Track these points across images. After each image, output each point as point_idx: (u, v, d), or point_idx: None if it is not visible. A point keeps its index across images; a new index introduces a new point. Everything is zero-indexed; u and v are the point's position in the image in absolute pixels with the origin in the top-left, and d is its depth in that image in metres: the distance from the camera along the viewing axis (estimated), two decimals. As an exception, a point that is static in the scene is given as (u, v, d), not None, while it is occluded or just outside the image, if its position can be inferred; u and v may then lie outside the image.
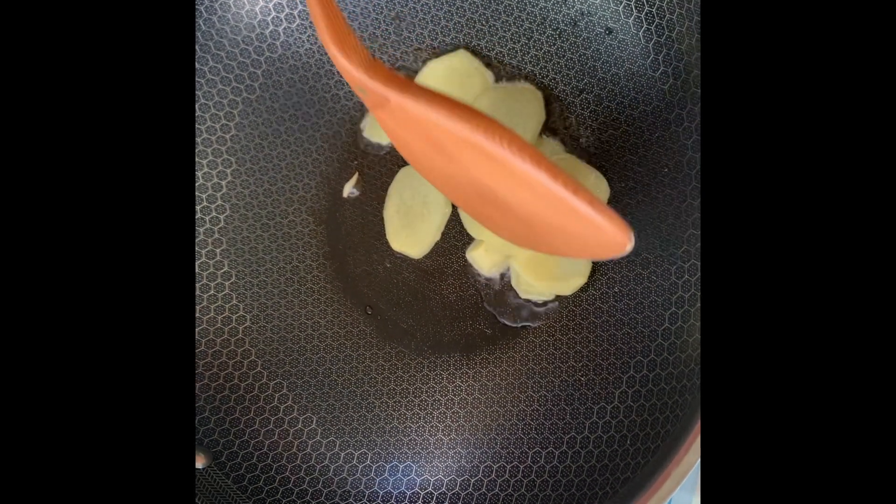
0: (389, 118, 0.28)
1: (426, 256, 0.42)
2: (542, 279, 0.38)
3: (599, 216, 0.25)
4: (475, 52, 0.41)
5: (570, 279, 0.38)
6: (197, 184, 0.43)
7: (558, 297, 0.39)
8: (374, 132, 0.43)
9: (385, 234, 0.42)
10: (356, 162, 0.43)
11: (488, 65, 0.41)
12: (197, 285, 0.42)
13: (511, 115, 0.39)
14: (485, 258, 0.40)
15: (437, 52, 0.42)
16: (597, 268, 0.39)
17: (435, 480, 0.39)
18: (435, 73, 0.41)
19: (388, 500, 0.39)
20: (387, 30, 0.42)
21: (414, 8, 0.42)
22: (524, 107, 0.40)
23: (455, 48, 0.42)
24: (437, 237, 0.42)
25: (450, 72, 0.41)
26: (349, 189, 0.43)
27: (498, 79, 0.41)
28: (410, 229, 0.41)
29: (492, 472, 0.38)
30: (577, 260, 0.38)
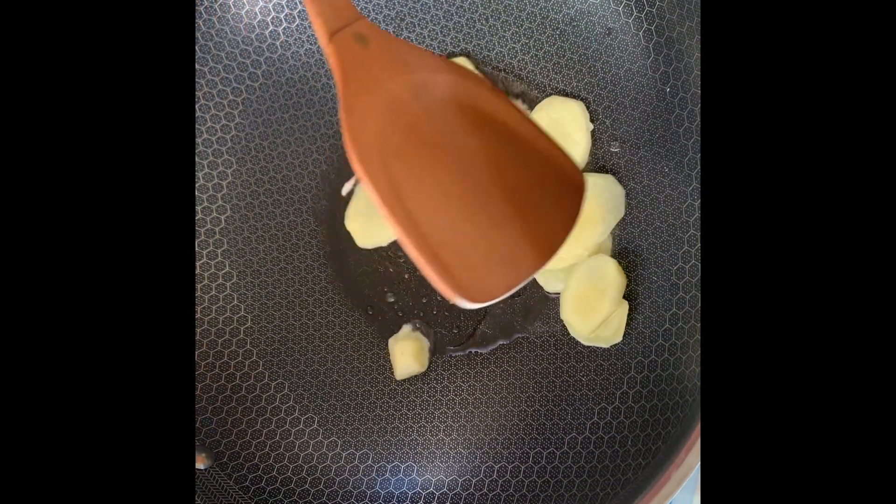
0: (383, 105, 0.28)
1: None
2: (588, 315, 0.37)
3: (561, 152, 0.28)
4: (474, 55, 0.41)
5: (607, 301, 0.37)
6: (197, 184, 0.43)
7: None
8: None
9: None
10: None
11: (486, 73, 0.41)
12: (198, 286, 0.42)
13: None
14: (400, 358, 0.41)
15: (437, 54, 0.42)
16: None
17: (436, 481, 0.39)
18: None
19: (389, 501, 0.39)
20: (386, 29, 0.42)
21: (414, 7, 0.41)
22: None
23: (455, 48, 0.42)
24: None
25: None
26: (348, 188, 0.43)
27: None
28: (368, 217, 0.42)
29: (492, 472, 0.38)
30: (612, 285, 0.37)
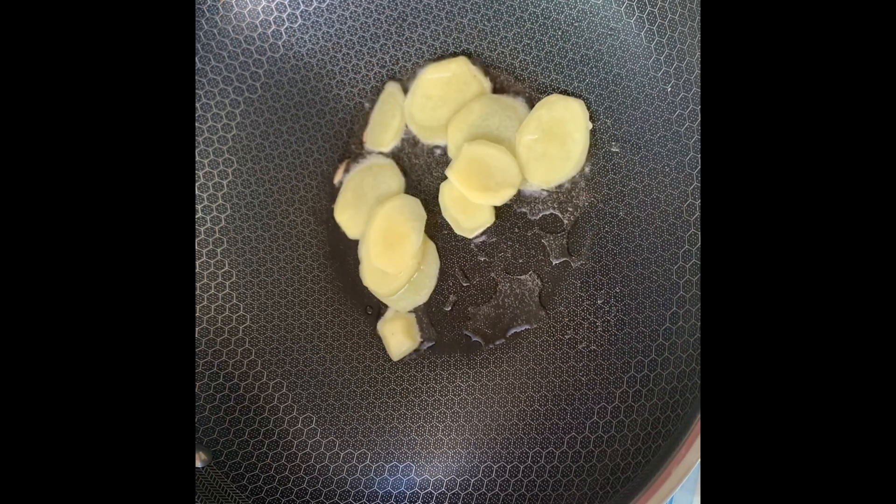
0: None
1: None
2: (475, 189, 0.39)
3: None
4: (476, 55, 0.42)
5: (501, 190, 0.39)
6: (198, 183, 0.43)
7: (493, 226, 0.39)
8: (376, 141, 0.43)
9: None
10: (347, 155, 0.43)
11: (487, 74, 0.41)
12: (197, 284, 0.42)
13: (501, 126, 0.40)
14: (392, 339, 0.41)
15: (438, 54, 0.42)
16: (598, 268, 0.39)
17: (435, 480, 0.39)
18: (435, 77, 0.41)
19: (388, 500, 0.39)
20: (388, 30, 0.42)
21: (416, 8, 0.42)
22: (513, 120, 0.40)
23: (457, 48, 0.42)
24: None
25: (449, 76, 0.41)
26: (339, 177, 0.43)
27: (495, 88, 0.41)
28: (357, 208, 0.42)
29: (492, 472, 0.38)
30: (507, 171, 0.39)
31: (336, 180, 0.43)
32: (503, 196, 0.39)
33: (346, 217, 0.42)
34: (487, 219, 0.40)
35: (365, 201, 0.42)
